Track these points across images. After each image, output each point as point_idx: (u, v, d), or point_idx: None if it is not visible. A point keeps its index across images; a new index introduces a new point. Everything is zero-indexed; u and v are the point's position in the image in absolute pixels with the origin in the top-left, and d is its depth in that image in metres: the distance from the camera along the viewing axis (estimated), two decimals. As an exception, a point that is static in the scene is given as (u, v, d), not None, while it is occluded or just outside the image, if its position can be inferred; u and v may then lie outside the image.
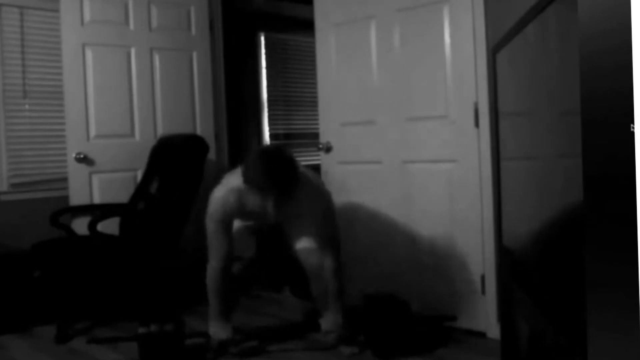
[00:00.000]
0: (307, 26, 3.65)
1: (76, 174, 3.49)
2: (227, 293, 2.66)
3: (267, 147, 4.17)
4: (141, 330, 2.59)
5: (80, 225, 3.27)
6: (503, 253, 2.11)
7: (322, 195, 2.69)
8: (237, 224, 2.80)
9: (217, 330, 2.66)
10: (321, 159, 3.49)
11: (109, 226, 3.24)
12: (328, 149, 3.44)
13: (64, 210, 3.36)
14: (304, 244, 2.78)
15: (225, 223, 2.62)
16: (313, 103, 4.11)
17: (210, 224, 2.61)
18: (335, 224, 2.72)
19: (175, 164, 3.26)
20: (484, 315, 2.83)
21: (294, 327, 3.08)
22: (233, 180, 2.64)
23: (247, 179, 2.44)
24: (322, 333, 2.75)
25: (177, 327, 2.60)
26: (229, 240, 2.63)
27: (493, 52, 2.06)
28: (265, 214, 2.60)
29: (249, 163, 2.44)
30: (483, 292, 2.83)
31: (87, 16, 3.53)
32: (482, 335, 2.82)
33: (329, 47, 3.40)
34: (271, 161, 2.39)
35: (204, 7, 3.97)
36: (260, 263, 2.89)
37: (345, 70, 3.33)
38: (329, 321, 2.72)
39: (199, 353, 2.67)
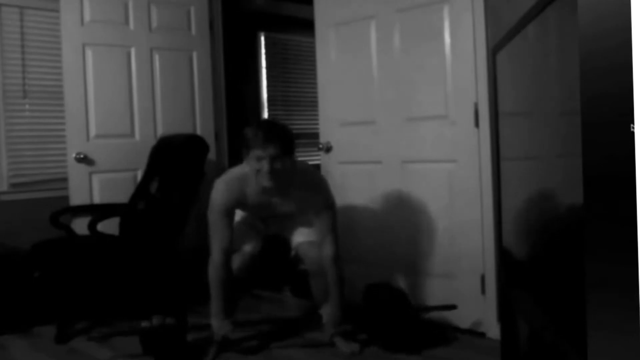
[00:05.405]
0: (307, 26, 3.65)
1: (76, 174, 3.49)
2: (229, 285, 2.66)
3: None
4: (143, 324, 2.60)
5: (80, 225, 3.26)
6: (503, 253, 2.11)
7: (321, 186, 2.71)
8: (237, 218, 2.81)
9: (219, 326, 2.67)
10: (321, 159, 3.49)
11: (109, 226, 3.23)
12: (328, 149, 3.43)
13: (64, 210, 3.35)
14: (303, 238, 2.79)
15: (228, 213, 2.63)
16: (313, 103, 4.11)
17: (213, 214, 2.63)
18: (335, 214, 2.73)
19: (175, 164, 3.26)
20: (484, 315, 2.83)
21: (294, 325, 3.09)
22: (235, 170, 2.68)
23: (246, 142, 2.45)
24: (322, 327, 2.76)
25: (179, 321, 2.61)
26: (231, 231, 2.65)
27: (493, 52, 2.06)
28: (266, 205, 2.62)
29: (247, 130, 2.48)
30: (483, 292, 2.83)
31: (87, 16, 3.52)
32: (482, 335, 2.82)
33: (329, 47, 3.40)
34: (268, 122, 2.44)
35: (204, 7, 3.97)
36: (260, 261, 2.89)
37: (345, 70, 3.33)
38: (328, 314, 2.73)
39: (201, 348, 2.67)
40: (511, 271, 1.96)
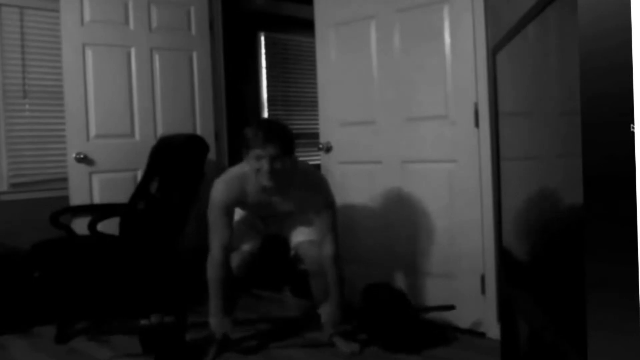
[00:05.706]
0: (307, 26, 3.65)
1: (76, 174, 3.49)
2: (228, 284, 2.66)
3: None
4: (142, 322, 2.61)
5: (80, 225, 3.26)
6: (503, 253, 2.11)
7: (322, 185, 2.72)
8: (236, 217, 2.81)
9: (218, 324, 2.67)
10: (321, 159, 3.49)
11: (109, 226, 3.23)
12: (328, 149, 3.43)
13: (64, 210, 3.35)
14: (303, 238, 2.79)
15: (227, 211, 2.64)
16: (313, 103, 4.11)
17: (213, 213, 2.63)
18: (335, 214, 2.73)
19: (175, 164, 3.26)
20: (484, 315, 2.83)
21: (294, 324, 3.09)
22: (235, 169, 2.70)
23: (246, 142, 2.46)
24: (322, 326, 2.76)
25: (178, 319, 2.62)
26: (231, 230, 2.65)
27: (493, 52, 2.06)
28: (266, 204, 2.63)
29: (247, 130, 2.49)
30: (483, 292, 2.83)
31: (87, 16, 3.52)
32: (482, 335, 2.82)
33: (329, 47, 3.40)
34: (268, 121, 2.43)
35: (204, 7, 3.97)
36: (260, 261, 2.89)
37: (345, 70, 3.33)
38: (327, 313, 2.73)
39: (201, 347, 2.67)
40: (511, 271, 1.96)
